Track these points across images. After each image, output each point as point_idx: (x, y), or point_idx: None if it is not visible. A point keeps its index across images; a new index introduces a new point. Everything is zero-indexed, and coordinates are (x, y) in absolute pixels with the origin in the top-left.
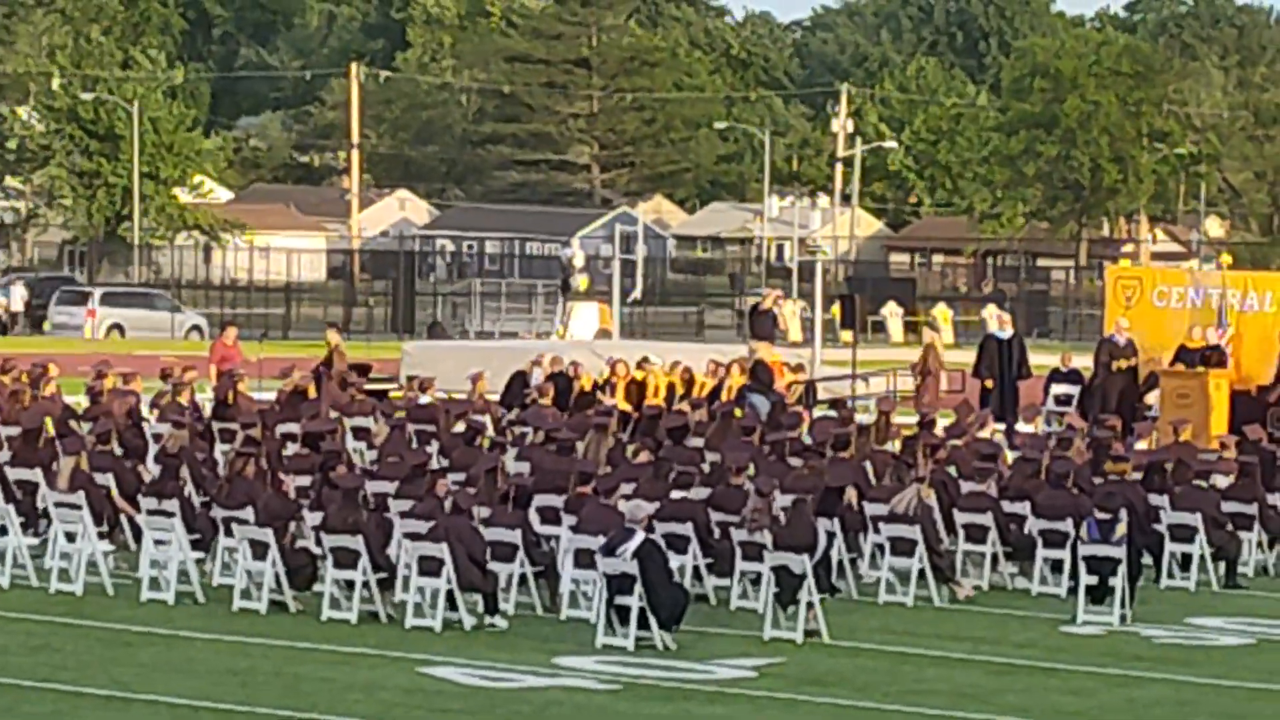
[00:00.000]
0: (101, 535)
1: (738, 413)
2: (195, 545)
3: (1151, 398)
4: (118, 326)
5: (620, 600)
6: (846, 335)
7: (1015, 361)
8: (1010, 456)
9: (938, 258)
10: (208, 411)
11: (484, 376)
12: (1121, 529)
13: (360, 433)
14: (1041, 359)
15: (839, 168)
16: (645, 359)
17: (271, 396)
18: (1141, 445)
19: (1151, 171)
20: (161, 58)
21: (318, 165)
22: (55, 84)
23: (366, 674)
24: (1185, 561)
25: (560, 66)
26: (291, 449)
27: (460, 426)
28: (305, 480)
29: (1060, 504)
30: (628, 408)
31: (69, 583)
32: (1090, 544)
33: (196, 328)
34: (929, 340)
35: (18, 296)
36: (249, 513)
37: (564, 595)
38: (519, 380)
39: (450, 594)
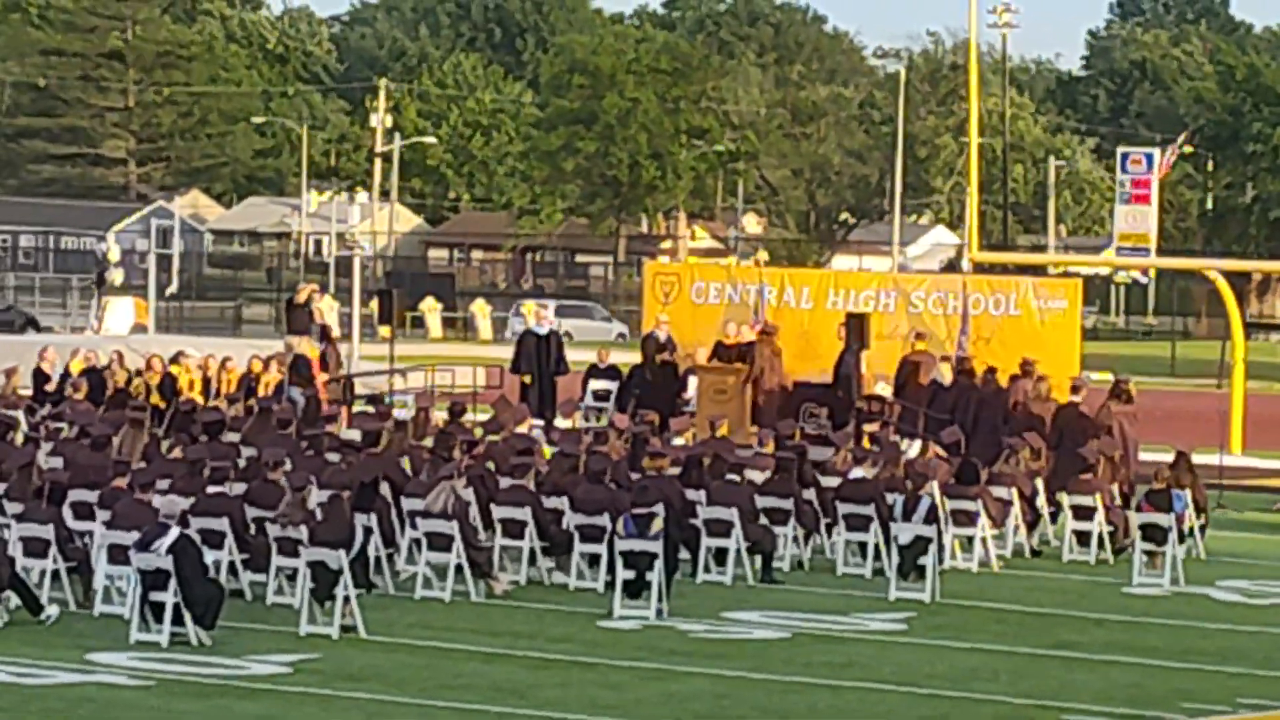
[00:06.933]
0: None
1: (277, 408)
2: None
3: (689, 392)
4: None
5: (155, 596)
6: (385, 330)
7: (552, 357)
8: (548, 452)
9: (477, 253)
10: None
11: (18, 371)
12: (658, 524)
13: None
14: (580, 355)
15: (378, 163)
16: (181, 353)
17: None
18: (679, 440)
19: (690, 168)
20: None
21: None
22: None
23: None
24: (721, 556)
25: (94, 60)
26: None
27: None
28: None
29: (597, 499)
30: (162, 403)
31: None
32: (627, 539)
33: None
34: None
35: None
36: None
37: (98, 591)
38: (38, 376)
39: None
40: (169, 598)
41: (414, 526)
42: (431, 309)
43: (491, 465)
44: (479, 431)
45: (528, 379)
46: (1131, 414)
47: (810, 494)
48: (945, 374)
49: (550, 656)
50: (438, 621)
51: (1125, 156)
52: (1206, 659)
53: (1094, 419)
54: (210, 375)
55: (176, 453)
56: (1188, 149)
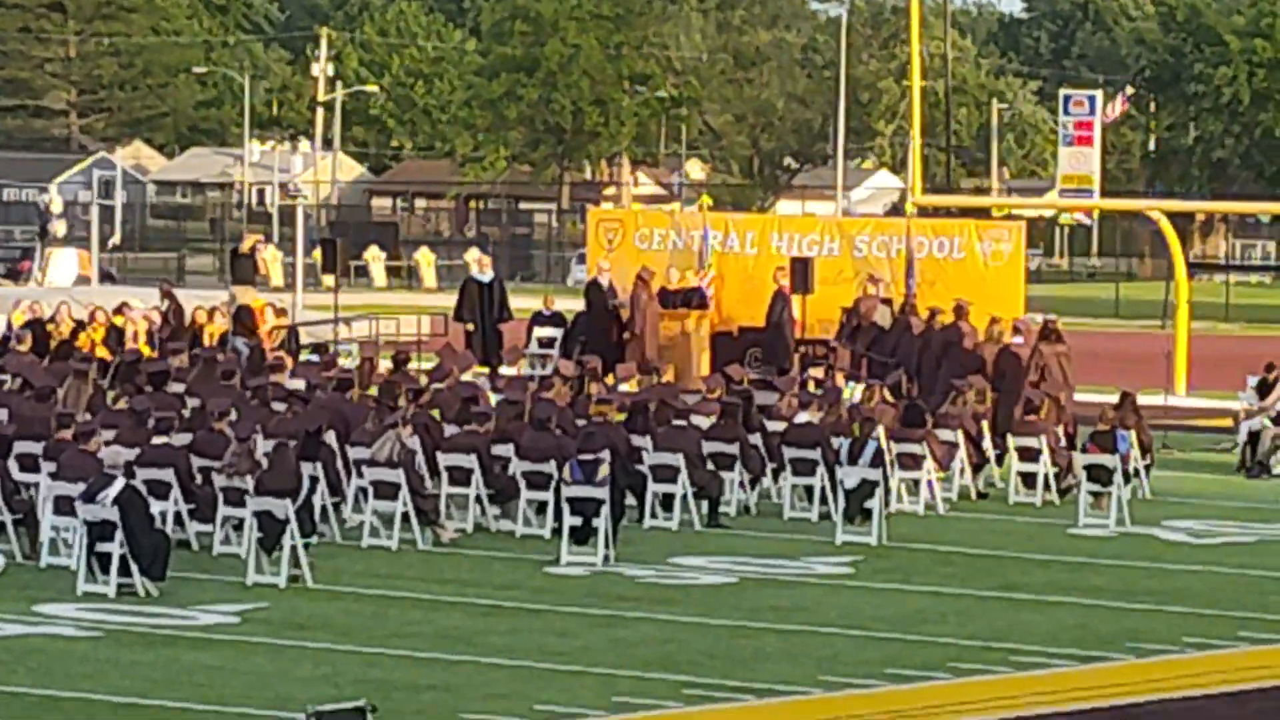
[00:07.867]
0: None
1: (221, 358)
2: None
3: None
4: None
5: (101, 547)
6: (328, 280)
7: (496, 304)
8: (494, 399)
9: (420, 202)
10: None
11: None
12: (604, 470)
13: None
14: (525, 302)
15: (320, 112)
16: (125, 304)
17: None
18: (625, 386)
19: (633, 114)
20: None
21: None
22: None
23: None
24: (668, 501)
25: (34, 11)
26: None
27: None
28: None
29: (543, 446)
30: (107, 354)
31: None
32: (573, 485)
33: None
34: None
35: None
36: None
37: (44, 542)
38: None
39: None
40: (115, 549)
41: (360, 475)
42: (375, 258)
43: (437, 413)
44: (424, 380)
45: (470, 326)
46: (1064, 354)
47: (756, 439)
48: (885, 317)
49: (498, 603)
50: (385, 569)
51: (1068, 99)
52: (1152, 599)
53: (1026, 361)
54: (154, 327)
55: (122, 404)
56: (1129, 89)
